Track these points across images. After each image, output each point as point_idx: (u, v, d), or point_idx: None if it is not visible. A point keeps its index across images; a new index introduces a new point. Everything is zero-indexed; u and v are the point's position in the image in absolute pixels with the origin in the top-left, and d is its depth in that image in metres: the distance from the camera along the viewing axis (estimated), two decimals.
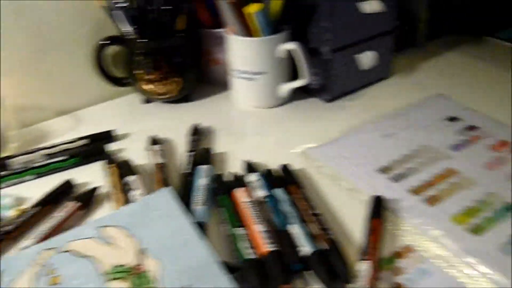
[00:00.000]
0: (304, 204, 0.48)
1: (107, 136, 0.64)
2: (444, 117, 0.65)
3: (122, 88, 0.72)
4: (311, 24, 0.65)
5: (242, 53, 0.65)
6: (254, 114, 0.68)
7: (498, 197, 0.50)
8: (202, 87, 0.75)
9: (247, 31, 0.63)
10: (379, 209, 0.47)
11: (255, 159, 0.57)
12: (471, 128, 0.62)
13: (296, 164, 0.56)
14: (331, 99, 0.69)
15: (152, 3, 0.64)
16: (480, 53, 0.85)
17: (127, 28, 0.65)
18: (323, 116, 0.67)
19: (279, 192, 0.50)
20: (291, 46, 0.63)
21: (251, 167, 0.54)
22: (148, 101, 0.72)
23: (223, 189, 0.51)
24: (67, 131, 0.68)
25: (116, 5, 0.64)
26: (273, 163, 0.56)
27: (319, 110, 0.68)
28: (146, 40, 0.64)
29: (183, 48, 0.67)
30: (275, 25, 0.64)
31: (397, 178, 0.53)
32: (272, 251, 0.42)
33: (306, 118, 0.67)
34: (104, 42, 0.68)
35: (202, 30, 0.71)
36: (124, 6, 0.64)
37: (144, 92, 0.68)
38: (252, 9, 0.59)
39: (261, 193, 0.50)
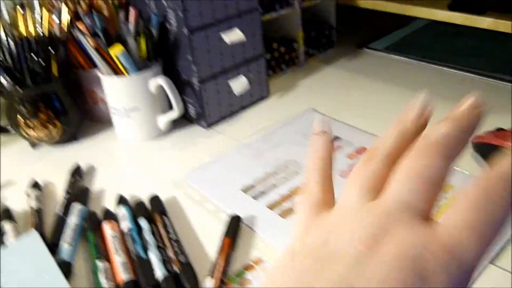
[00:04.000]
0: (164, 231, 0.52)
1: None
2: (311, 131, 0.70)
3: (11, 135, 0.73)
4: (178, 57, 0.70)
5: (114, 92, 0.68)
6: (136, 148, 0.71)
7: None
8: (90, 125, 0.78)
9: (116, 70, 0.66)
10: (231, 227, 0.51)
11: (131, 192, 0.60)
12: (334, 139, 0.67)
13: (168, 192, 0.60)
14: (210, 125, 0.73)
15: (22, 53, 0.66)
16: (355, 65, 0.91)
17: (2, 80, 0.67)
18: (202, 142, 0.71)
19: (143, 222, 0.53)
20: (159, 81, 0.66)
21: (121, 200, 0.57)
22: (34, 145, 0.74)
23: (91, 225, 0.54)
24: None
25: None
26: (147, 193, 0.59)
27: (198, 137, 0.72)
28: (23, 89, 0.67)
29: (60, 92, 0.69)
30: (144, 61, 0.68)
31: (258, 196, 0.58)
32: (126, 281, 0.45)
33: (186, 146, 0.70)
34: None
35: (80, 71, 0.74)
36: None
37: (27, 138, 0.71)
38: (114, 52, 0.63)
39: (125, 224, 0.53)
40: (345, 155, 0.63)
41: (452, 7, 0.80)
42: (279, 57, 0.87)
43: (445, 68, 0.86)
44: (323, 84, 0.85)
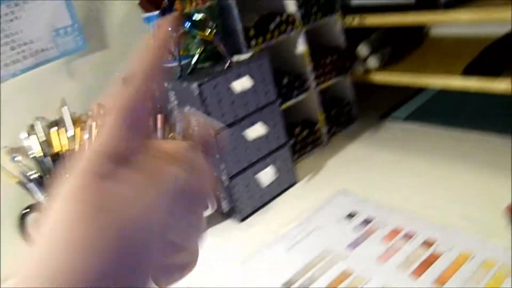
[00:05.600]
0: None
1: None
2: (344, 214, 0.70)
3: None
4: None
5: None
6: None
7: None
8: None
9: None
10: None
11: None
12: (367, 221, 0.67)
13: None
14: (243, 219, 0.74)
15: (59, 169, 0.70)
16: (378, 138, 0.92)
17: (40, 196, 0.70)
18: (237, 238, 0.71)
19: None
20: None
21: None
22: None
23: None
24: None
25: (28, 178, 0.69)
26: None
27: (233, 232, 0.73)
28: None
29: None
30: None
31: None
32: None
33: (221, 244, 0.71)
34: (24, 211, 0.73)
35: None
36: (35, 178, 0.69)
37: None
38: None
39: None
40: (381, 238, 0.63)
41: (467, 71, 0.81)
42: (303, 140, 0.89)
43: (467, 132, 0.86)
44: (350, 161, 0.86)
